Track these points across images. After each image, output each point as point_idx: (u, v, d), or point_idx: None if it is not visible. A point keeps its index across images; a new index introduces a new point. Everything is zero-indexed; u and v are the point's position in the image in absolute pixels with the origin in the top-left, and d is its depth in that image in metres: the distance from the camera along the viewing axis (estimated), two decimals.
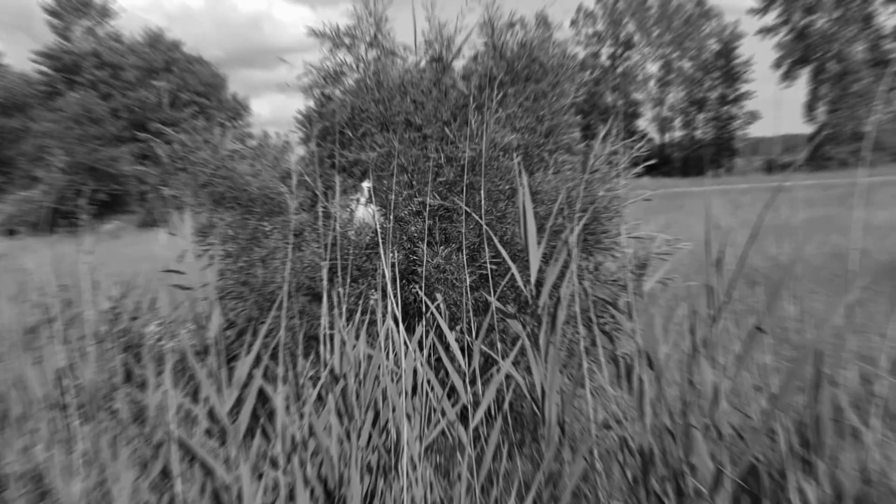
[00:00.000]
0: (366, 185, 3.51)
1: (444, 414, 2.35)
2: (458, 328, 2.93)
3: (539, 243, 2.33)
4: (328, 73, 3.40)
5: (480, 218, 3.01)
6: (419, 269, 3.06)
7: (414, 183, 3.24)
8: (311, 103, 3.60)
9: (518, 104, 3.30)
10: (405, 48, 3.42)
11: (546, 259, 2.91)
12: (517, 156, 3.13)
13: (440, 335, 2.79)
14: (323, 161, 3.46)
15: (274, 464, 2.21)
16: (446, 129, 3.20)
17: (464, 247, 3.09)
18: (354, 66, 3.38)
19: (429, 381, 2.40)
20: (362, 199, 3.54)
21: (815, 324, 2.64)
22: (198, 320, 3.47)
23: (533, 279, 2.30)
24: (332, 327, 2.50)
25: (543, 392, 2.18)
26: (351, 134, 3.36)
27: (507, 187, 3.16)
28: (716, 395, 1.96)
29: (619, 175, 3.16)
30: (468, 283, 3.03)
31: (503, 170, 3.15)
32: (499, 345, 2.79)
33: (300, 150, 3.84)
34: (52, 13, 50.38)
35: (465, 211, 3.08)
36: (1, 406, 2.97)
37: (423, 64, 3.39)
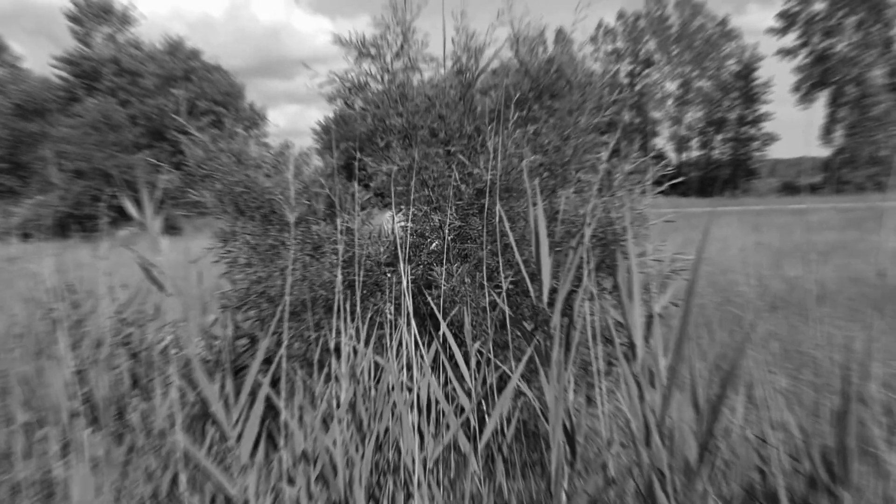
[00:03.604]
0: (388, 215, 3.49)
1: (447, 428, 2.31)
2: (477, 344, 2.90)
3: (556, 260, 2.29)
4: (353, 83, 3.36)
5: (498, 239, 2.98)
6: (435, 285, 3.04)
7: (435, 199, 3.21)
8: (332, 113, 3.57)
9: (543, 121, 3.26)
10: (432, 59, 3.38)
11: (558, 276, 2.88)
12: (538, 176, 3.10)
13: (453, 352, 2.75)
14: (340, 172, 3.44)
15: (281, 476, 2.18)
16: (461, 156, 3.17)
17: (484, 265, 3.06)
18: (379, 77, 3.34)
19: (437, 399, 2.36)
20: (387, 218, 3.51)
21: (835, 349, 2.59)
22: (210, 329, 3.44)
23: (545, 295, 2.26)
24: (344, 338, 2.47)
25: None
26: (371, 147, 3.33)
27: (525, 208, 3.13)
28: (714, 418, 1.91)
29: (643, 192, 3.12)
30: (485, 303, 2.99)
31: (522, 191, 3.11)
32: (512, 362, 2.75)
33: (317, 161, 3.82)
34: (74, 19, 50.86)
35: (483, 231, 3.05)
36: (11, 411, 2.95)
37: (447, 76, 3.34)
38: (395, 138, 3.30)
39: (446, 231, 3.12)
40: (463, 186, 3.13)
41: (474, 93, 3.29)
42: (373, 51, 3.30)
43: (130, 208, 1.92)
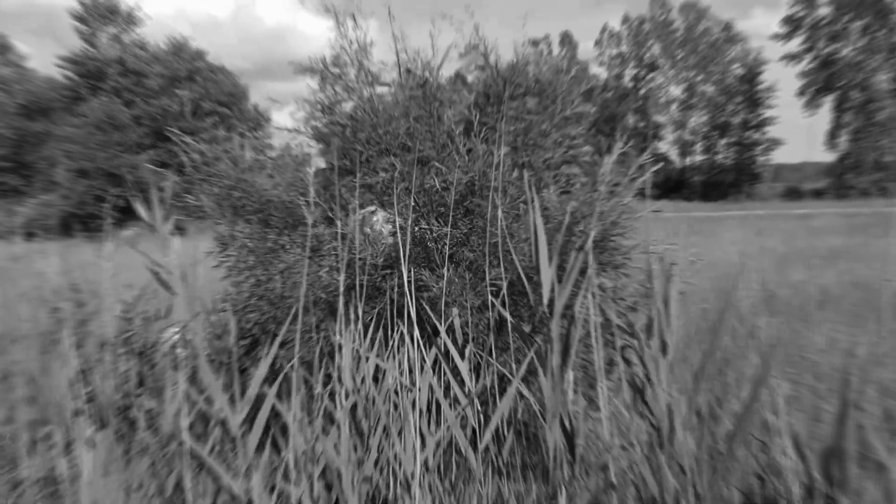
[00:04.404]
0: (381, 215, 3.50)
1: (448, 430, 2.32)
2: (468, 347, 2.91)
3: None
4: (323, 105, 3.39)
5: (486, 239, 2.99)
6: (425, 289, 3.05)
7: (420, 205, 3.22)
8: (308, 137, 3.57)
9: (516, 118, 3.28)
10: (391, 83, 3.40)
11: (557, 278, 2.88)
12: (524, 172, 3.11)
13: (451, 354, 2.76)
14: (340, 177, 3.44)
15: (285, 477, 2.19)
16: (436, 164, 3.18)
17: (487, 266, 3.07)
18: (347, 96, 3.36)
19: (438, 401, 2.37)
20: (379, 218, 3.52)
21: (838, 354, 2.60)
22: (214, 330, 3.45)
23: (545, 297, 2.26)
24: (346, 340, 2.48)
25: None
26: (352, 161, 3.35)
27: (510, 209, 3.13)
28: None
29: (630, 181, 3.11)
30: (478, 304, 3.00)
31: (502, 189, 3.12)
32: (512, 365, 2.76)
33: (320, 162, 3.82)
34: (80, 19, 50.95)
35: (486, 236, 3.05)
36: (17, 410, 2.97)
37: (407, 91, 3.36)
38: (374, 150, 3.31)
39: (438, 237, 3.14)
40: (445, 194, 3.13)
41: (439, 101, 3.31)
42: (335, 70, 3.33)
43: (140, 209, 1.93)
